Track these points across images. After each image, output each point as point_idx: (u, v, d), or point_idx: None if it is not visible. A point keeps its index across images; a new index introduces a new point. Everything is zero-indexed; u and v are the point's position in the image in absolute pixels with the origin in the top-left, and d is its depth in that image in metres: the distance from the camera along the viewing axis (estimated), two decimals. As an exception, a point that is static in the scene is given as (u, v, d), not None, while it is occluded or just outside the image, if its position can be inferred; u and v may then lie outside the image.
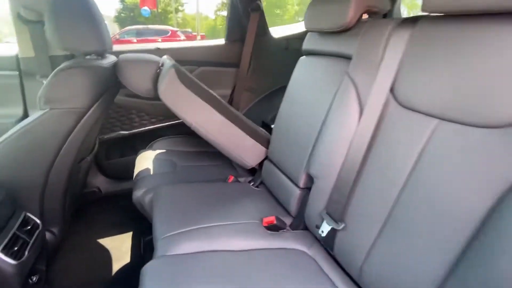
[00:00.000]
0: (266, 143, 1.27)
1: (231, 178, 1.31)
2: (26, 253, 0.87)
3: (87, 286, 1.19)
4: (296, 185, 1.00)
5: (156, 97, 1.16)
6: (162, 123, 1.80)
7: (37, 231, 0.97)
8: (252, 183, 1.28)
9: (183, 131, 1.79)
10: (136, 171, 1.40)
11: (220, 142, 1.18)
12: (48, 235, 1.09)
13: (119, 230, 1.54)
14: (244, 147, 1.24)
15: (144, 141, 1.71)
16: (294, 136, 1.06)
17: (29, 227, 0.94)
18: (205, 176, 1.34)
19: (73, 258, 1.32)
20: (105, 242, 1.46)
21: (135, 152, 1.68)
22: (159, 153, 1.53)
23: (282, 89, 1.23)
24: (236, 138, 1.21)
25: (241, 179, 1.34)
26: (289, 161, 1.06)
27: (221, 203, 1.06)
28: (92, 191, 1.77)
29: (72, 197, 1.27)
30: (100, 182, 1.80)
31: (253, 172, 1.40)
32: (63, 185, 1.06)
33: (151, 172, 1.33)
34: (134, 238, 1.48)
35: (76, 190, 1.32)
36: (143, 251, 1.31)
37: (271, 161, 1.21)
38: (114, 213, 1.68)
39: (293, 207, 1.00)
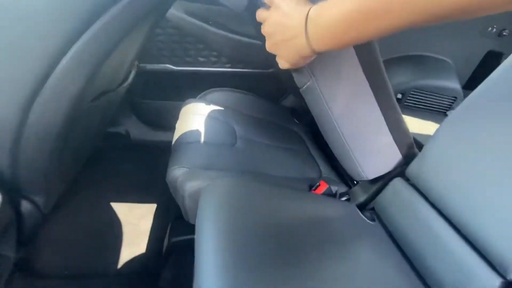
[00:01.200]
0: (405, 146, 0.70)
1: (323, 187, 0.77)
2: None
3: (78, 282, 0.80)
4: (499, 273, 0.45)
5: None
6: (226, 67, 1.24)
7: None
8: (349, 201, 0.76)
9: (253, 86, 1.24)
10: (178, 129, 0.93)
11: (343, 133, 0.62)
12: (26, 205, 0.67)
13: (141, 196, 1.13)
14: (372, 148, 0.68)
15: (196, 85, 1.19)
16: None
17: None
18: (281, 168, 0.83)
19: (64, 237, 0.93)
20: (119, 211, 1.07)
21: (181, 96, 1.19)
22: (214, 111, 1.02)
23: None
24: (371, 133, 0.64)
25: (333, 188, 0.80)
26: (482, 211, 0.49)
27: (317, 249, 0.55)
28: (117, 133, 1.35)
29: (81, 144, 0.82)
30: (130, 124, 1.37)
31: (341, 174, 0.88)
32: (56, 131, 0.59)
33: (201, 139, 0.83)
34: (158, 216, 1.06)
35: (90, 133, 0.87)
36: (166, 248, 0.87)
37: (415, 186, 0.64)
38: (140, 170, 1.26)
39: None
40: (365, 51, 0.56)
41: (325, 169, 0.89)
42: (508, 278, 0.45)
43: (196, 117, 0.96)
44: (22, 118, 0.55)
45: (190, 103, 1.06)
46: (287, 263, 0.50)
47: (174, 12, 1.14)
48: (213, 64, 1.24)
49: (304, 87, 0.57)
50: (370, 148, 0.68)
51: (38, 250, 0.85)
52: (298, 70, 0.56)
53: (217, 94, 1.16)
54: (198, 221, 0.57)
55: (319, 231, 0.59)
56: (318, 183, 0.78)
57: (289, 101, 1.34)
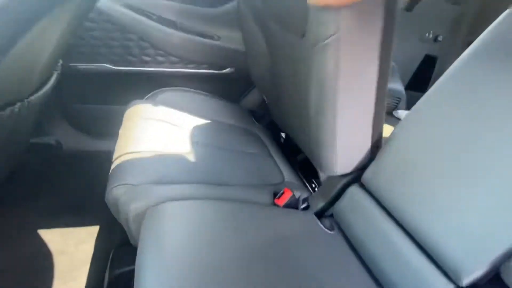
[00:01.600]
0: (376, 148, 0.69)
1: (287, 195, 0.73)
2: None
3: None
4: (451, 280, 0.47)
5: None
6: (176, 67, 1.13)
7: None
8: (308, 208, 0.73)
9: (206, 89, 1.15)
10: (121, 136, 0.81)
11: (337, 114, 0.57)
12: None
13: (78, 218, 0.97)
14: (354, 140, 0.65)
15: (141, 87, 1.07)
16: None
17: None
18: (242, 176, 0.77)
19: None
20: (50, 238, 0.90)
21: (123, 100, 1.05)
22: (165, 113, 0.92)
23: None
24: (360, 123, 0.62)
25: (296, 194, 0.77)
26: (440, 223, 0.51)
27: (273, 269, 0.53)
28: (46, 144, 1.14)
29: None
30: (62, 132, 1.17)
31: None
32: None
33: (149, 148, 0.73)
34: (99, 241, 0.92)
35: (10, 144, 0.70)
36: (108, 283, 0.74)
37: (370, 193, 0.65)
38: (76, 186, 1.08)
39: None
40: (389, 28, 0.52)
41: (287, 173, 0.85)
42: (460, 285, 0.46)
43: (143, 122, 0.84)
44: None
45: (136, 105, 0.93)
46: (240, 280, 0.45)
47: (111, 5, 0.99)
48: (160, 64, 1.11)
49: (325, 41, 0.50)
50: (352, 139, 0.65)
51: None
52: (325, 19, 0.49)
53: (168, 94, 1.04)
54: (138, 254, 0.49)
55: (276, 250, 0.55)
56: (282, 191, 0.74)
57: (248, 102, 1.27)
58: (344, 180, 0.71)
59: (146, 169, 0.66)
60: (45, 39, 0.58)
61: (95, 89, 1.13)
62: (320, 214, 0.73)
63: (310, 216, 0.69)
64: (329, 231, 0.66)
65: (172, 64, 1.13)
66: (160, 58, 1.10)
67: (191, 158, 0.75)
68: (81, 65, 1.03)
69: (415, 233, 0.53)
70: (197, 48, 1.12)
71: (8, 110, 0.55)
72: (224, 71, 1.18)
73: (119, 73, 1.08)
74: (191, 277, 0.44)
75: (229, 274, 0.46)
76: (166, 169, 0.68)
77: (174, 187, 0.64)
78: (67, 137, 1.18)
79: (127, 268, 0.71)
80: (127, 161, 0.68)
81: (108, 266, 0.73)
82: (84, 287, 0.79)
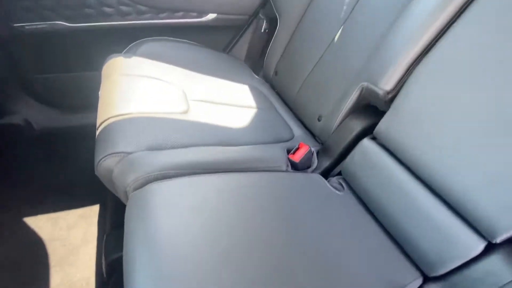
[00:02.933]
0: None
1: (304, 149, 0.65)
2: None
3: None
4: (482, 236, 0.42)
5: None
6: (145, 18, 0.95)
7: None
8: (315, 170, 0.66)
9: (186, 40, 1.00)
10: (103, 98, 0.68)
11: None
12: None
13: (65, 201, 0.89)
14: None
15: (109, 47, 0.90)
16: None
17: None
18: (249, 134, 0.68)
19: None
20: (39, 225, 0.83)
21: (91, 63, 0.90)
22: (152, 68, 0.78)
23: None
24: None
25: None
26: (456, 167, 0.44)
27: (282, 236, 0.48)
28: (13, 124, 1.01)
29: None
30: (29, 110, 1.03)
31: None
32: None
33: (140, 110, 0.62)
34: (91, 223, 0.85)
35: None
36: (106, 269, 0.69)
37: (384, 146, 0.57)
38: (56, 168, 0.99)
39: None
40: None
41: (296, 129, 0.76)
42: (494, 241, 0.40)
43: (126, 79, 0.71)
44: None
45: (114, 59, 0.78)
46: (244, 265, 0.40)
47: None
48: (126, 15, 0.93)
49: None
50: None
51: None
52: None
53: (150, 45, 0.88)
54: (126, 238, 0.42)
55: (285, 219, 0.48)
56: (296, 146, 0.65)
57: (239, 51, 1.11)
58: (353, 135, 0.63)
59: (138, 134, 0.55)
60: None
61: (54, 54, 0.96)
62: (326, 174, 0.66)
63: (317, 177, 0.62)
64: (338, 192, 0.59)
65: (141, 14, 0.94)
66: (124, 8, 0.92)
67: (190, 117, 0.64)
68: (29, 25, 0.85)
69: (438, 187, 0.47)
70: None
71: None
72: (203, 18, 1.00)
73: (77, 30, 0.90)
74: (186, 272, 0.37)
75: (231, 260, 0.40)
76: (162, 133, 0.57)
77: (175, 152, 0.55)
78: (35, 115, 1.04)
79: (120, 254, 0.65)
80: (116, 125, 0.57)
81: (103, 251, 0.67)
82: (83, 271, 0.74)
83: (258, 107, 0.79)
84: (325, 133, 0.69)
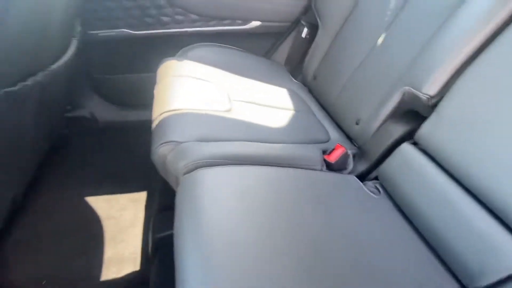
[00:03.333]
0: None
1: (340, 150, 0.67)
2: None
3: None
4: None
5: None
6: (196, 26, 1.05)
7: None
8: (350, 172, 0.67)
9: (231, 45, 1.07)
10: (158, 96, 0.77)
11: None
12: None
13: (119, 186, 1.01)
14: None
15: (164, 51, 1.01)
16: None
17: None
18: (285, 133, 0.72)
19: (37, 241, 0.81)
20: (96, 205, 0.95)
21: (148, 67, 1.01)
22: (200, 70, 0.87)
23: None
24: None
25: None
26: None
27: (318, 234, 0.49)
28: (81, 117, 1.17)
29: (21, 138, 0.67)
30: (94, 105, 1.19)
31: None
32: None
33: (189, 107, 0.70)
34: (140, 207, 0.96)
35: (31, 126, 0.70)
36: (152, 246, 0.78)
37: (425, 151, 0.56)
38: (113, 156, 1.12)
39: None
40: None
41: (332, 131, 0.78)
42: None
43: (177, 79, 0.80)
44: None
45: (167, 62, 0.89)
46: (282, 253, 0.43)
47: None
48: (179, 23, 1.03)
49: None
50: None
51: (7, 261, 0.74)
52: None
53: (200, 50, 0.98)
54: (177, 217, 0.48)
55: (321, 218, 0.50)
56: (332, 147, 0.68)
57: (280, 57, 1.16)
58: (392, 139, 0.63)
59: (189, 127, 0.63)
60: (52, 3, 0.53)
61: (117, 57, 1.11)
62: (361, 178, 0.67)
63: (353, 179, 0.63)
64: (374, 195, 0.60)
65: (193, 22, 1.04)
66: (179, 17, 1.02)
67: (232, 115, 0.71)
68: (101, 32, 1.00)
69: (482, 194, 0.45)
70: (218, 1, 1.01)
71: (30, 80, 0.53)
72: (248, 26, 1.07)
73: (138, 37, 1.03)
74: (229, 247, 0.41)
75: (269, 244, 0.43)
76: (209, 127, 0.65)
77: (221, 145, 0.61)
78: (99, 110, 1.20)
79: (168, 232, 0.73)
80: (169, 119, 0.65)
81: (151, 230, 0.76)
82: (131, 247, 0.84)
83: (296, 110, 0.83)
84: (363, 136, 0.70)
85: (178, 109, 0.68)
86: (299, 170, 0.60)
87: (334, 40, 0.89)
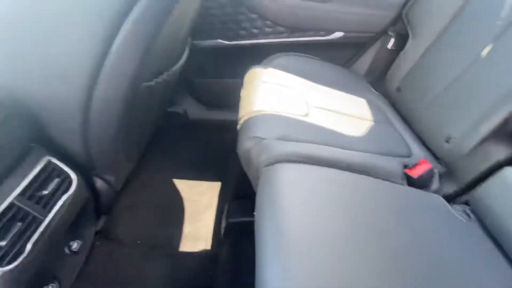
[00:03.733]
0: None
1: (425, 166, 0.64)
2: (29, 247, 0.49)
3: (147, 252, 0.87)
4: None
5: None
6: (282, 37, 1.13)
7: (68, 193, 0.58)
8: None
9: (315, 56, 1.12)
10: (245, 97, 0.87)
11: None
12: (100, 183, 0.73)
13: (200, 174, 1.16)
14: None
15: (250, 61, 1.13)
16: None
17: (47, 190, 0.55)
18: (363, 142, 0.73)
19: (135, 210, 1.01)
20: (180, 188, 1.11)
21: (235, 73, 1.14)
22: (283, 77, 0.94)
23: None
24: None
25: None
26: None
27: (398, 251, 0.47)
28: (176, 113, 1.39)
29: (143, 125, 0.85)
30: (187, 103, 1.40)
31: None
32: (118, 113, 0.60)
33: (272, 109, 0.77)
34: (216, 194, 1.08)
35: (151, 113, 0.89)
36: (224, 229, 0.88)
37: None
38: (198, 148, 1.29)
39: None
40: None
41: (414, 147, 0.75)
42: None
43: (263, 85, 0.89)
44: (87, 101, 0.56)
45: (253, 70, 1.00)
46: (361, 258, 0.43)
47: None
48: (268, 35, 1.14)
49: None
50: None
51: (115, 222, 0.94)
52: None
53: (283, 59, 1.06)
54: (258, 204, 0.54)
55: (403, 235, 0.49)
56: (416, 162, 0.65)
57: (360, 67, 1.17)
58: (492, 162, 0.57)
59: (271, 126, 0.70)
60: (181, 22, 0.69)
61: (211, 64, 1.28)
62: (448, 199, 0.61)
63: (439, 199, 0.59)
64: (463, 219, 0.55)
65: (279, 34, 1.13)
66: (267, 29, 1.13)
67: (312, 120, 0.75)
68: (201, 42, 1.18)
69: None
70: (303, 14, 1.08)
71: (160, 78, 0.69)
72: (330, 36, 1.10)
73: (231, 47, 1.17)
74: (307, 241, 0.44)
75: (348, 246, 0.45)
76: (289, 128, 0.71)
77: (299, 144, 0.65)
78: (191, 108, 1.40)
79: (240, 219, 0.81)
80: (254, 118, 0.73)
81: (225, 214, 0.86)
82: (205, 228, 0.96)
83: (375, 120, 0.82)
84: (453, 155, 0.65)
85: (262, 110, 0.76)
86: (379, 180, 0.60)
87: (426, 51, 0.85)
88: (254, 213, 0.82)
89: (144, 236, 0.92)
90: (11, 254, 0.47)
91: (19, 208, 0.49)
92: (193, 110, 1.39)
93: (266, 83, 0.89)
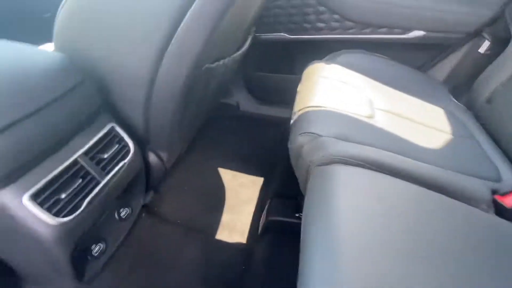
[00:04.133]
0: None
1: None
2: (84, 204, 0.52)
3: (186, 233, 0.88)
4: None
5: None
6: (350, 33, 1.06)
7: (125, 161, 0.60)
8: None
9: (385, 55, 1.02)
10: (302, 92, 0.83)
11: None
12: (153, 158, 0.75)
13: (244, 166, 1.15)
14: None
15: (316, 55, 1.07)
16: None
17: (107, 154, 0.57)
18: (438, 156, 0.62)
19: (180, 191, 1.03)
20: (224, 177, 1.12)
21: (293, 69, 1.10)
22: (346, 75, 0.87)
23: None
24: None
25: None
26: None
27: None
28: (229, 104, 1.40)
29: (199, 110, 0.86)
30: (241, 96, 1.40)
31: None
32: (179, 91, 0.61)
33: (331, 106, 0.71)
34: (258, 188, 1.06)
35: (207, 100, 0.90)
36: (263, 225, 0.84)
37: None
38: (245, 141, 1.29)
39: None
40: None
41: (505, 172, 0.62)
42: None
43: (323, 80, 0.83)
44: (153, 75, 0.58)
45: (315, 64, 0.94)
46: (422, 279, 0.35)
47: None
48: (334, 30, 1.07)
49: None
50: None
51: (160, 199, 0.98)
52: None
53: (349, 56, 0.99)
54: (307, 204, 0.49)
55: (480, 262, 0.40)
56: (507, 189, 0.54)
57: (439, 72, 1.03)
58: None
59: (329, 123, 0.64)
60: (247, 9, 0.67)
61: (270, 58, 1.26)
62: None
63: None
64: None
65: (346, 30, 1.06)
66: (334, 24, 1.06)
67: (376, 123, 0.68)
68: (263, 35, 1.16)
69: None
70: (378, 8, 0.98)
71: (221, 61, 0.69)
72: (406, 35, 0.99)
73: (292, 41, 1.13)
74: (359, 250, 0.39)
75: (405, 267, 0.38)
76: (348, 127, 0.64)
77: (360, 147, 0.59)
78: (243, 100, 1.41)
79: (280, 218, 0.77)
80: (311, 113, 0.68)
81: (265, 211, 0.82)
82: (244, 220, 0.94)
83: (455, 134, 0.70)
84: None
85: (320, 106, 0.70)
86: (458, 202, 0.50)
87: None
88: (297, 214, 0.77)
89: (185, 217, 0.93)
90: (68, 208, 0.50)
91: (81, 167, 0.53)
92: (246, 103, 1.39)
93: (327, 78, 0.83)
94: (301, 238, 0.44)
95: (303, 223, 0.46)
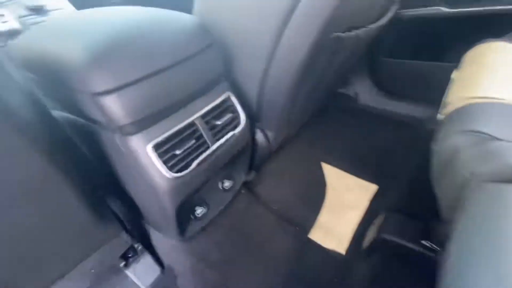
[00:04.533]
0: None
1: None
2: (194, 164, 0.52)
3: (277, 222, 0.83)
4: None
5: None
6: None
7: (235, 131, 0.58)
8: None
9: None
10: (462, 80, 0.62)
11: None
12: (260, 136, 0.72)
13: (351, 166, 0.99)
14: None
15: (482, 35, 0.78)
16: None
17: (220, 121, 0.56)
18: None
19: (280, 178, 0.97)
20: (327, 173, 1.00)
21: (444, 53, 0.84)
22: None
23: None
24: None
25: None
26: None
27: None
28: (345, 95, 1.23)
29: (312, 97, 0.77)
30: (362, 86, 1.21)
31: None
32: (302, 59, 0.54)
33: (507, 97, 0.50)
34: (364, 195, 0.89)
35: (325, 78, 0.79)
36: (372, 241, 0.68)
37: None
38: (360, 139, 1.11)
39: None
40: None
41: None
42: None
43: (499, 65, 0.58)
44: (274, 45, 0.53)
45: (486, 44, 0.68)
46: None
47: None
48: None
49: None
50: None
51: (261, 180, 0.96)
52: None
53: None
54: (461, 232, 0.33)
55: None
56: None
57: None
58: None
59: (509, 123, 0.45)
60: None
61: (411, 40, 1.01)
62: None
63: None
64: None
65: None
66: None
67: None
68: (410, 11, 0.93)
69: None
70: None
71: (353, 32, 0.57)
72: None
73: (452, 17, 0.86)
74: None
75: None
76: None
77: None
78: (364, 92, 1.21)
79: (394, 239, 0.60)
80: (478, 106, 0.50)
81: (376, 225, 0.66)
82: (344, 228, 0.80)
83: None
84: None
85: (495, 98, 0.48)
86: None
87: None
88: (424, 241, 0.58)
89: (282, 205, 0.88)
90: (180, 165, 0.52)
91: (197, 129, 0.54)
92: (367, 95, 1.19)
93: (505, 63, 0.57)
94: (444, 272, 0.30)
95: (450, 259, 0.32)
